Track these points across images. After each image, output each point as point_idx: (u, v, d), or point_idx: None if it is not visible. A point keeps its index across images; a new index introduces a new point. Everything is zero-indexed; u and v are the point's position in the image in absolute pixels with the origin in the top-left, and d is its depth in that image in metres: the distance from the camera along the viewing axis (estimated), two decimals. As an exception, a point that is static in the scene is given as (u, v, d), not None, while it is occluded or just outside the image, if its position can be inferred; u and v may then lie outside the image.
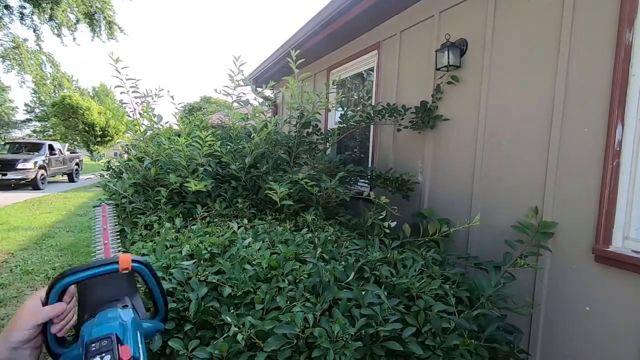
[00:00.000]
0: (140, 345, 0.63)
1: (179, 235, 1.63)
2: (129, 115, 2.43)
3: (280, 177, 2.12)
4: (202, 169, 2.08)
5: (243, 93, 2.40)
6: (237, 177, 2.20)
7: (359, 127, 2.91)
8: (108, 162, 2.93)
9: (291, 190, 1.92)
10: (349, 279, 1.26)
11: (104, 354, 0.55)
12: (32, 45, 14.57)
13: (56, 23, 13.61)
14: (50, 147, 13.79)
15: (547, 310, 1.87)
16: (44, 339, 0.66)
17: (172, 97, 2.39)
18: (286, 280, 1.25)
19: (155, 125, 2.41)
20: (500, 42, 2.14)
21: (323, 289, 1.21)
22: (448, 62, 2.35)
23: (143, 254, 1.42)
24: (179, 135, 2.36)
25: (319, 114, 2.74)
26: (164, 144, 2.23)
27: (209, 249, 1.44)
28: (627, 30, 1.53)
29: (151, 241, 1.60)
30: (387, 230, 1.75)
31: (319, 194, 2.06)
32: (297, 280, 1.24)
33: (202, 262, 1.37)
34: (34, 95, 40.21)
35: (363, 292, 1.19)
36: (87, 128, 33.27)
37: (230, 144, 2.32)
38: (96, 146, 35.74)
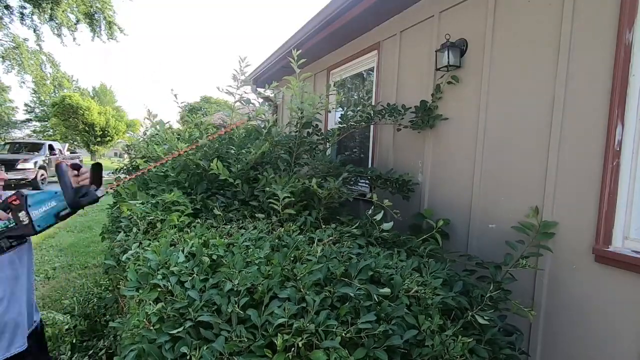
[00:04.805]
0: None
1: (184, 235, 1.64)
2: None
3: (281, 177, 2.12)
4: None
5: (245, 92, 2.41)
6: (238, 178, 2.21)
7: (359, 127, 2.92)
8: (118, 169, 3.15)
9: (294, 190, 1.93)
10: (352, 278, 1.27)
11: None
12: (32, 45, 14.57)
13: (56, 23, 13.61)
14: (50, 147, 13.82)
15: (547, 311, 1.87)
16: None
17: (175, 95, 2.40)
18: (290, 282, 1.26)
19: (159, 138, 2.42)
20: (500, 42, 2.15)
21: (327, 285, 1.22)
22: (448, 62, 2.35)
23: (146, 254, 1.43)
24: (179, 136, 2.38)
25: (319, 114, 2.74)
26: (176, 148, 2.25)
27: (212, 249, 1.45)
28: (627, 30, 1.54)
29: (155, 240, 1.62)
30: (386, 235, 1.76)
31: (321, 195, 2.06)
32: (298, 278, 1.25)
33: (201, 263, 1.37)
34: (34, 95, 40.17)
35: (362, 292, 1.20)
36: (87, 128, 33.30)
37: (232, 146, 2.33)
38: (96, 146, 35.77)
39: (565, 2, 1.79)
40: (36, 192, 1.24)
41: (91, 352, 2.59)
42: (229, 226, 1.83)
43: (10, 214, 1.15)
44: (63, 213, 1.21)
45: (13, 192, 1.22)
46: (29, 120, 47.01)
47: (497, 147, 2.16)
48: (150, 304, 1.19)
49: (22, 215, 1.17)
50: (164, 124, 2.42)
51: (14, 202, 1.18)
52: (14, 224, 1.16)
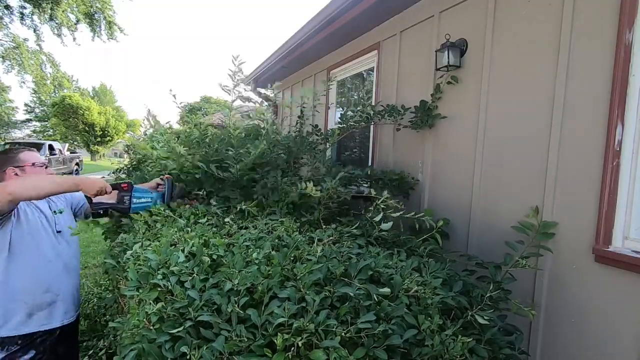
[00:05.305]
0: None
1: (185, 235, 1.63)
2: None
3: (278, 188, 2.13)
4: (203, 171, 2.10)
5: (245, 92, 2.41)
6: (237, 179, 2.21)
7: (359, 127, 2.92)
8: (118, 169, 3.25)
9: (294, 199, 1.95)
10: (351, 277, 1.26)
11: None
12: (33, 45, 14.55)
13: (56, 23, 13.58)
14: (50, 147, 13.84)
15: (547, 310, 1.87)
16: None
17: (174, 96, 2.39)
18: (290, 282, 1.26)
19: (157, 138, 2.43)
20: (500, 42, 2.15)
21: (327, 285, 1.22)
22: (448, 62, 2.35)
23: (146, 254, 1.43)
24: (178, 137, 2.37)
25: (318, 112, 2.74)
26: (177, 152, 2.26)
27: (212, 249, 1.45)
28: (627, 30, 1.54)
29: (156, 239, 1.61)
30: (386, 235, 1.76)
31: (318, 196, 2.06)
32: (297, 278, 1.25)
33: (201, 263, 1.37)
34: (34, 95, 40.12)
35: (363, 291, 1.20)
36: (87, 128, 33.36)
37: (231, 147, 2.33)
38: (96, 146, 35.80)
39: (565, 2, 1.79)
40: (140, 187, 1.75)
41: (91, 352, 2.60)
42: (229, 226, 1.83)
43: (118, 193, 1.59)
44: (150, 208, 1.70)
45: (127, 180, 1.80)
46: (29, 120, 47.01)
47: (497, 147, 2.16)
48: (150, 303, 1.19)
49: (126, 198, 1.60)
50: (162, 125, 2.41)
51: (123, 187, 1.59)
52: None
